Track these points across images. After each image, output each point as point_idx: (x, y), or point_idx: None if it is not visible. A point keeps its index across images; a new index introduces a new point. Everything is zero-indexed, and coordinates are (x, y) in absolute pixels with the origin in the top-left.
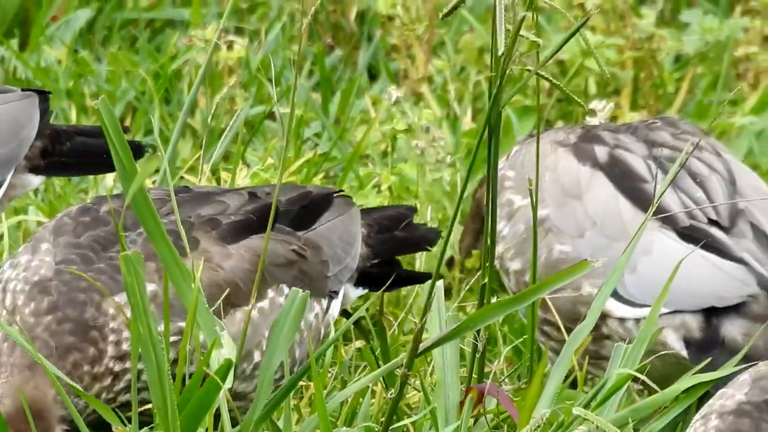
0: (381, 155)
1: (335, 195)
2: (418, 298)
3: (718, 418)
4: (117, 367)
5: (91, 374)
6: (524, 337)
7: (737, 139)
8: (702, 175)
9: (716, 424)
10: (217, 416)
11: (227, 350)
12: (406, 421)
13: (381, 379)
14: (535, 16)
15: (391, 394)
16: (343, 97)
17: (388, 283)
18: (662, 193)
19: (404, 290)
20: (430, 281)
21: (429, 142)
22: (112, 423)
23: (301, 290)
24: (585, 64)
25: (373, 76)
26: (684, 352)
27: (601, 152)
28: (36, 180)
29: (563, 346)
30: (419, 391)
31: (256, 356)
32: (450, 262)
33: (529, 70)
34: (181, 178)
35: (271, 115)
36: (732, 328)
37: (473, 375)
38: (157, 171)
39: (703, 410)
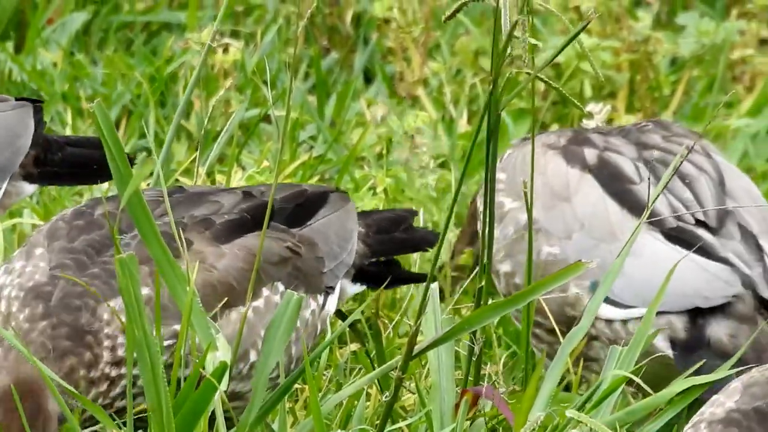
0: (376, 158)
1: (331, 192)
2: (413, 300)
3: (708, 428)
4: (113, 373)
5: (87, 379)
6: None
7: (733, 142)
8: (691, 176)
9: None
10: (213, 419)
11: (222, 352)
12: (402, 424)
13: (376, 381)
14: (530, 18)
15: (386, 397)
16: (338, 100)
17: (387, 282)
18: (654, 199)
19: (399, 293)
20: (424, 283)
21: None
22: (108, 426)
23: (295, 293)
24: (580, 66)
25: (368, 79)
26: (670, 353)
27: (590, 155)
28: (30, 188)
29: (553, 348)
30: (414, 394)
31: (252, 356)
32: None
33: (528, 73)
34: (176, 180)
35: (266, 118)
36: (718, 329)
37: (469, 378)
38: (151, 174)
39: (694, 418)
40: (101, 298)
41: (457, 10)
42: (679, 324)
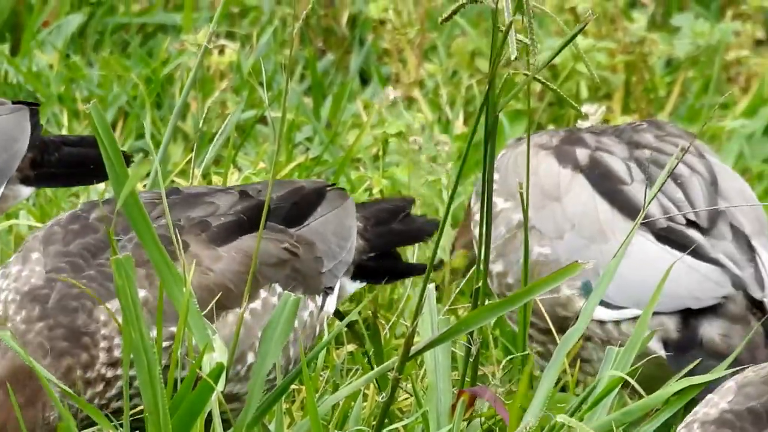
0: (372, 159)
1: (328, 189)
2: (409, 301)
3: (701, 428)
4: (109, 374)
5: (83, 379)
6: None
7: (728, 143)
8: (683, 177)
9: None
10: (209, 420)
11: (219, 354)
12: (398, 425)
13: (373, 382)
14: (530, 20)
15: (382, 398)
16: (334, 101)
17: (387, 277)
18: (649, 202)
19: (396, 293)
20: (421, 284)
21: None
22: (105, 427)
23: (293, 294)
24: (576, 67)
25: (364, 80)
26: (662, 353)
27: (581, 155)
28: (27, 191)
29: (546, 348)
30: (411, 395)
31: (250, 357)
32: (438, 266)
33: (526, 74)
34: (172, 181)
35: (262, 120)
36: (710, 329)
37: (465, 378)
38: (148, 175)
39: (687, 418)
40: (99, 300)
41: (454, 12)
42: (672, 324)
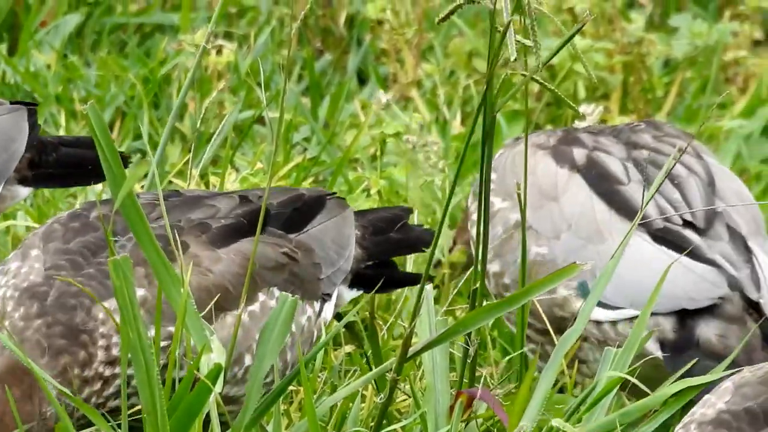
0: (370, 159)
1: (328, 197)
2: (407, 302)
3: (698, 429)
4: (107, 372)
5: (81, 377)
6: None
7: (726, 143)
8: (680, 177)
9: None
10: (207, 421)
11: (217, 355)
12: (396, 426)
13: (371, 383)
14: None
15: (380, 399)
16: (332, 102)
17: (380, 284)
18: (647, 203)
19: (394, 294)
20: (419, 285)
21: (421, 146)
22: (101, 427)
23: (291, 294)
24: (574, 68)
25: (362, 80)
26: (659, 354)
27: (579, 154)
28: (24, 191)
29: (543, 349)
30: (409, 396)
31: (247, 360)
32: (437, 265)
33: (524, 75)
34: (170, 182)
35: (260, 120)
36: (706, 329)
37: (463, 379)
38: (146, 176)
39: (685, 419)
40: (96, 298)
41: (451, 13)
42: (668, 325)
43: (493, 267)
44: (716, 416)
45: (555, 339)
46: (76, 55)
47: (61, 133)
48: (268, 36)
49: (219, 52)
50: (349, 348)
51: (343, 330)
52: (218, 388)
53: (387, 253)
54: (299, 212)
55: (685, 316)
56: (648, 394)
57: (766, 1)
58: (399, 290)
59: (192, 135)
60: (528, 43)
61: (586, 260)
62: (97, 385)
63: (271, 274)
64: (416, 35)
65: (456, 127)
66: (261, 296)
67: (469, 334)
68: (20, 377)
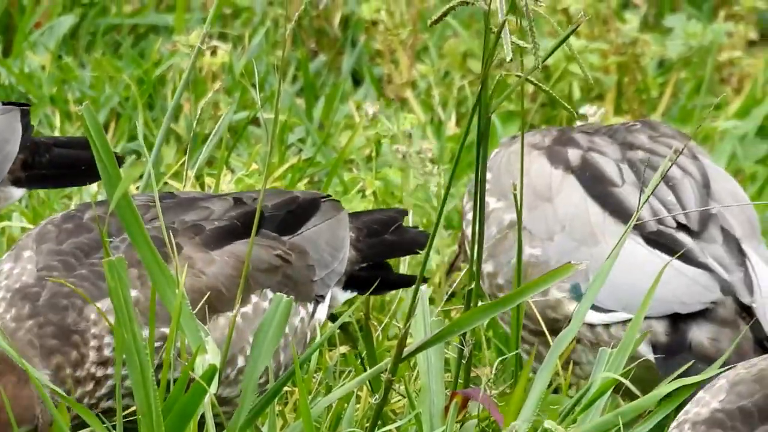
0: (365, 160)
1: (323, 200)
2: (402, 303)
3: (692, 428)
4: (99, 373)
5: (73, 378)
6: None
7: (721, 144)
8: (675, 179)
9: None
10: (202, 422)
11: (212, 356)
12: (391, 427)
13: (366, 384)
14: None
15: (375, 400)
16: (327, 103)
17: (375, 286)
18: (641, 206)
19: (389, 295)
20: (413, 286)
21: (414, 153)
22: (96, 428)
23: (285, 295)
24: (569, 68)
25: (357, 81)
26: (651, 356)
27: (573, 155)
28: (18, 192)
29: (537, 350)
30: (404, 397)
31: (240, 361)
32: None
33: (519, 76)
34: (166, 183)
35: (255, 121)
36: (699, 333)
37: (458, 380)
38: (141, 177)
39: (679, 417)
40: (88, 299)
41: (444, 14)
42: (660, 328)
43: (486, 267)
44: (710, 415)
45: (550, 340)
46: (71, 56)
47: (56, 134)
48: (263, 37)
49: (214, 53)
50: (344, 349)
51: (338, 331)
52: (213, 389)
53: (381, 255)
54: (293, 215)
55: (677, 320)
56: (639, 396)
57: (761, 1)
58: (394, 291)
59: (187, 136)
60: (522, 44)
61: (588, 262)
62: (90, 386)
63: (264, 276)
64: (411, 36)
65: (451, 128)
66: (254, 298)
67: (464, 335)
68: (13, 366)
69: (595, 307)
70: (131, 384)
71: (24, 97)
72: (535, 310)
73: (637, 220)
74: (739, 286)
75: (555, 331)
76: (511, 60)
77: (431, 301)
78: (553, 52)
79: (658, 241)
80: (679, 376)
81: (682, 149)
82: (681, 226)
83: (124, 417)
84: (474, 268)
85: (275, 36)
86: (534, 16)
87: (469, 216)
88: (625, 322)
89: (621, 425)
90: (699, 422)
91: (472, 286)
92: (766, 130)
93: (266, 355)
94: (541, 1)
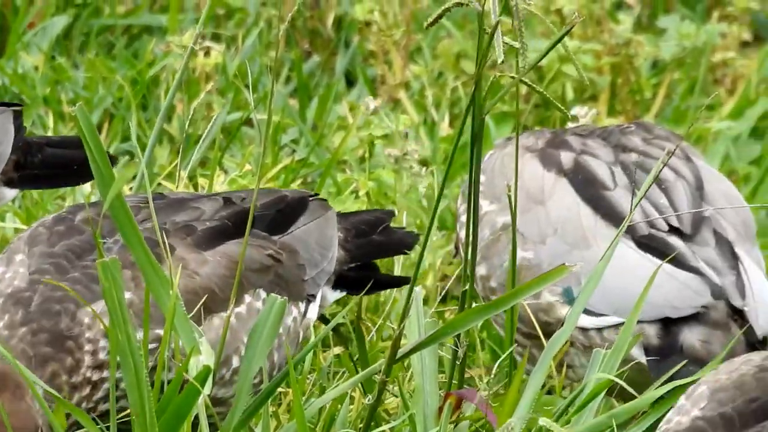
0: (359, 161)
1: (311, 198)
2: (396, 304)
3: None
4: (95, 377)
5: (69, 384)
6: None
7: (714, 144)
8: (667, 181)
9: None
10: (196, 423)
11: (206, 357)
12: (385, 427)
13: (359, 385)
14: (519, 23)
15: (369, 401)
16: (320, 103)
17: (367, 287)
18: (633, 210)
19: (382, 296)
20: (408, 286)
21: (402, 153)
22: (91, 430)
23: (279, 296)
24: (562, 69)
25: (350, 82)
26: (643, 359)
27: (566, 158)
28: (10, 193)
29: (530, 353)
30: (398, 397)
31: (235, 361)
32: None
33: (513, 77)
34: (159, 184)
35: (248, 122)
36: (690, 335)
37: (452, 381)
38: (134, 177)
39: (661, 426)
40: (85, 302)
41: (440, 16)
42: (652, 331)
43: (480, 270)
44: (691, 424)
45: (544, 342)
46: (64, 57)
47: (49, 134)
48: (256, 37)
49: (207, 53)
50: (337, 350)
51: (331, 332)
52: (207, 390)
53: (370, 255)
54: (282, 214)
55: (669, 323)
56: (635, 398)
57: (754, 2)
58: (387, 292)
59: (180, 137)
60: (516, 45)
61: (582, 263)
62: (86, 390)
63: (256, 275)
64: (404, 37)
65: (444, 129)
66: (247, 298)
67: (458, 336)
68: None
69: (587, 311)
70: (125, 385)
71: (17, 98)
72: (530, 313)
73: (629, 224)
74: (730, 290)
75: (548, 335)
76: (503, 61)
77: (425, 302)
78: (547, 53)
79: (650, 244)
80: (672, 378)
81: (674, 151)
82: (673, 230)
83: (121, 419)
84: (467, 271)
85: (268, 37)
86: (528, 16)
87: (463, 218)
88: (616, 326)
89: (614, 426)
90: (681, 431)
91: (466, 287)
92: (760, 130)
93: (260, 355)
94: (533, 2)
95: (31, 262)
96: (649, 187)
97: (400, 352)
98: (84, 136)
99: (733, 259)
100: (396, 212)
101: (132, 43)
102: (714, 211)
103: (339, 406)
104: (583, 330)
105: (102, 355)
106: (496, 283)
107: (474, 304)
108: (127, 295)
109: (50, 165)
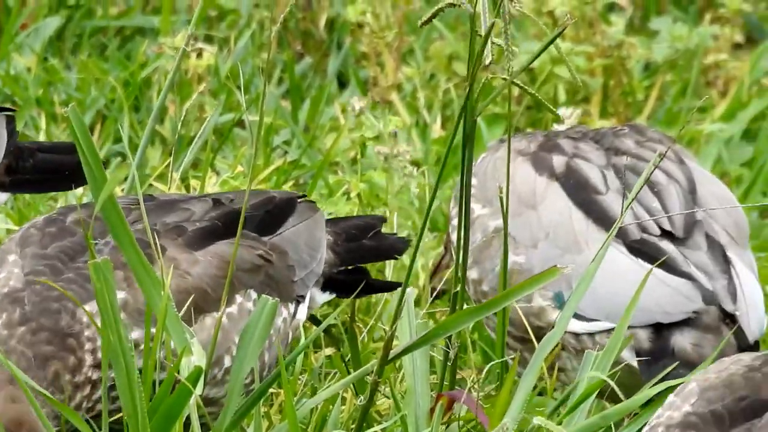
0: (350, 162)
1: (299, 200)
2: (388, 305)
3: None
4: (95, 376)
5: (72, 383)
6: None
7: (706, 147)
8: (660, 185)
9: None
10: (188, 423)
11: (197, 357)
12: (377, 428)
13: (351, 386)
14: (506, 25)
15: (361, 401)
16: (312, 105)
17: (357, 291)
18: (623, 216)
19: (374, 297)
20: (400, 288)
21: (392, 153)
22: (82, 430)
23: (270, 298)
24: (554, 71)
25: (342, 83)
26: (634, 362)
27: (558, 162)
28: (2, 197)
29: (522, 356)
30: (390, 398)
31: (227, 361)
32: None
33: (504, 79)
34: (150, 185)
35: (240, 123)
36: (682, 339)
37: (444, 382)
38: (126, 179)
39: (651, 421)
40: (78, 302)
41: (434, 15)
42: (644, 335)
43: (471, 274)
44: (683, 419)
45: (536, 346)
46: (57, 59)
47: (42, 136)
48: (248, 39)
49: (199, 55)
50: (329, 351)
51: (323, 333)
52: (198, 390)
53: (359, 259)
54: (271, 215)
55: (660, 326)
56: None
57: (746, 3)
58: (379, 294)
59: (172, 138)
60: (502, 44)
61: (573, 266)
62: (87, 390)
63: (247, 276)
64: (396, 38)
65: (436, 130)
66: (238, 298)
67: (449, 337)
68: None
69: (578, 316)
70: (117, 386)
71: (9, 100)
72: (521, 315)
73: (621, 228)
74: (722, 294)
75: (539, 339)
76: (491, 63)
77: (416, 303)
78: (539, 54)
79: (642, 249)
80: (662, 381)
81: (665, 153)
82: (665, 234)
83: (117, 420)
84: (459, 273)
85: (261, 38)
86: (520, 18)
87: (455, 222)
88: (608, 331)
89: (606, 428)
90: (672, 425)
91: (457, 289)
92: (752, 132)
93: (252, 356)
94: (523, 4)
95: (24, 263)
96: (639, 191)
97: (392, 353)
98: (76, 137)
99: (725, 263)
100: (387, 218)
101: (124, 45)
102: (706, 214)
103: (331, 406)
104: (576, 335)
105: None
106: (488, 287)
107: (465, 306)
108: (122, 295)
109: (42, 170)
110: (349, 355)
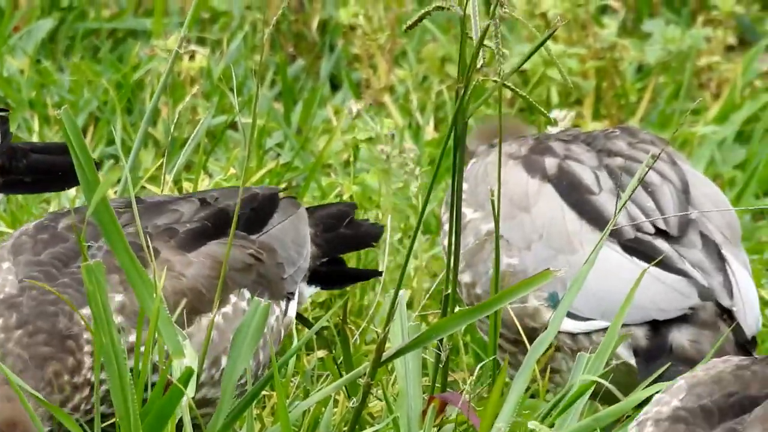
0: (343, 165)
1: (280, 195)
2: (380, 307)
3: (654, 425)
4: (93, 377)
5: (71, 384)
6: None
7: (699, 149)
8: (654, 185)
9: (652, 431)
10: (180, 425)
11: (189, 359)
12: (369, 430)
13: (344, 388)
14: (496, 28)
15: (353, 404)
16: (305, 107)
17: (333, 280)
18: (617, 214)
19: (366, 300)
20: (393, 290)
21: (396, 154)
22: (74, 431)
23: (263, 299)
24: (547, 73)
25: (335, 85)
26: (632, 361)
27: (550, 164)
28: None
29: (515, 358)
30: (382, 401)
31: (224, 361)
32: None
33: (495, 81)
34: (143, 188)
35: (233, 125)
36: (679, 336)
37: (436, 384)
38: (119, 181)
39: (639, 417)
40: (73, 306)
41: (420, 19)
42: (641, 333)
43: (464, 278)
44: (672, 413)
45: (528, 347)
46: (49, 61)
47: (35, 138)
48: (241, 41)
49: (192, 57)
50: (321, 353)
51: (315, 335)
52: (190, 391)
53: (339, 249)
54: (256, 212)
55: (657, 323)
56: (619, 401)
57: (739, 6)
58: (371, 295)
59: (165, 140)
60: (491, 46)
61: (566, 268)
62: (86, 391)
63: (240, 275)
64: (389, 41)
65: (429, 132)
66: (233, 298)
67: (441, 340)
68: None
69: (573, 316)
70: (110, 388)
71: (2, 102)
72: (513, 317)
73: (614, 227)
74: (718, 290)
75: (533, 340)
76: (483, 66)
77: (409, 305)
78: (530, 56)
79: (636, 248)
80: (658, 379)
81: (659, 154)
82: (660, 233)
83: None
84: (450, 276)
85: (253, 40)
86: (512, 21)
87: (447, 227)
88: (604, 330)
89: (599, 429)
90: (662, 419)
91: (449, 291)
92: (745, 135)
93: (245, 357)
94: (514, 6)
95: (18, 270)
96: (634, 190)
97: (385, 355)
98: (69, 139)
99: (720, 260)
100: (357, 205)
101: (117, 47)
102: (700, 214)
103: (323, 409)
104: (572, 335)
105: None
106: (482, 290)
107: (458, 308)
108: (119, 298)
109: (35, 171)
110: (342, 358)
